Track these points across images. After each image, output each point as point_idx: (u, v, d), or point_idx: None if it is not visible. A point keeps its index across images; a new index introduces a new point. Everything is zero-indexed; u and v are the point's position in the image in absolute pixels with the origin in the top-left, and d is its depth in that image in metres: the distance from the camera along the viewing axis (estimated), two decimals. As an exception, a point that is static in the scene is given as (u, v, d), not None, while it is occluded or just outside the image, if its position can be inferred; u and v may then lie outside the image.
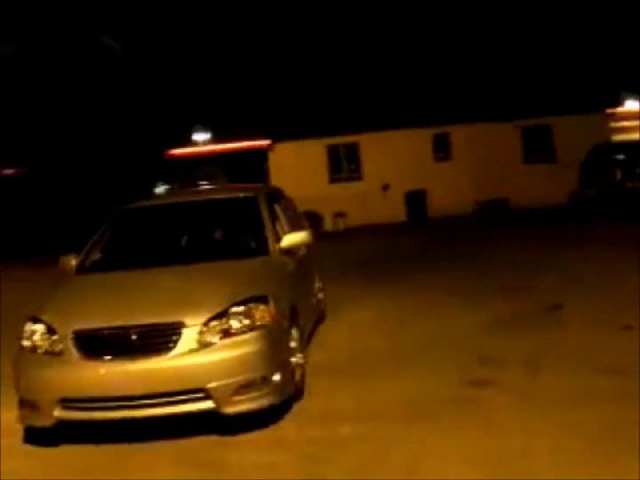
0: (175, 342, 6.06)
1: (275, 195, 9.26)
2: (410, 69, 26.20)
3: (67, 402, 6.12)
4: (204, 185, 15.09)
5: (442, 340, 8.70)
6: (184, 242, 8.15)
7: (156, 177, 31.06)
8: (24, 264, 20.16)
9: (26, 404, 6.31)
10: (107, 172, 30.21)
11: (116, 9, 22.69)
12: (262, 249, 7.54)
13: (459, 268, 13.86)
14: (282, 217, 8.63)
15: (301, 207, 22.44)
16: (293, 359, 6.86)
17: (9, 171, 30.77)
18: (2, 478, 5.81)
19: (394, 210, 24.93)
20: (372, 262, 15.93)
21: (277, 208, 8.72)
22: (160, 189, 30.17)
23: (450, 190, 24.40)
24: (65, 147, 29.75)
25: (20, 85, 24.56)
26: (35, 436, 6.43)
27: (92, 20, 21.36)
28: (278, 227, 8.19)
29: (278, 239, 7.80)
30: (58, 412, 6.14)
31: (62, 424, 6.22)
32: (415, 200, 25.09)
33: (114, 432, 6.28)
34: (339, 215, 25.50)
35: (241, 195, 8.72)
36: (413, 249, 18.02)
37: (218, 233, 8.20)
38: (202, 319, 6.16)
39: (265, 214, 8.02)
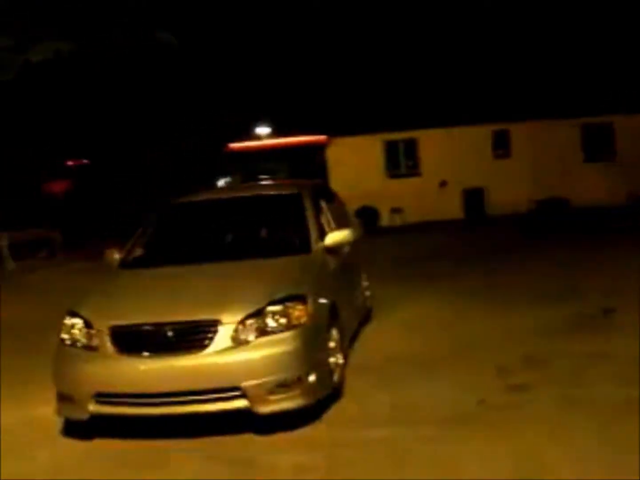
0: (211, 339, 6.04)
1: (321, 192, 9.18)
2: (471, 65, 25.87)
3: (102, 397, 6.16)
4: (264, 180, 15.10)
5: (488, 343, 8.52)
6: (225, 239, 8.11)
7: (218, 170, 31.30)
8: (81, 255, 20.44)
9: (63, 397, 6.38)
10: (170, 165, 30.59)
11: (175, 4, 22.89)
12: (303, 247, 7.46)
13: (513, 268, 13.63)
14: (327, 214, 8.55)
15: (358, 203, 22.74)
16: (332, 359, 6.80)
17: (72, 163, 31.36)
18: (35, 467, 5.91)
19: (451, 207, 24.66)
20: (426, 260, 15.75)
21: (323, 205, 8.64)
22: (221, 182, 30.40)
23: (510, 188, 24.00)
24: (128, 140, 30.21)
25: (83, 80, 24.96)
26: (73, 429, 6.50)
27: (149, 16, 21.60)
28: (323, 224, 8.11)
29: (321, 237, 7.72)
30: (93, 406, 6.18)
31: (99, 417, 6.26)
32: (474, 197, 24.76)
33: (151, 428, 6.30)
34: (396, 211, 25.32)
35: (286, 192, 8.67)
36: (468, 247, 17.79)
37: (260, 230, 8.14)
38: (239, 317, 6.12)
39: (309, 211, 7.96)
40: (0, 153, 25.48)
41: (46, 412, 6.77)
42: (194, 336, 6.07)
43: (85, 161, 31.47)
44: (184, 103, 28.73)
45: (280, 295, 6.32)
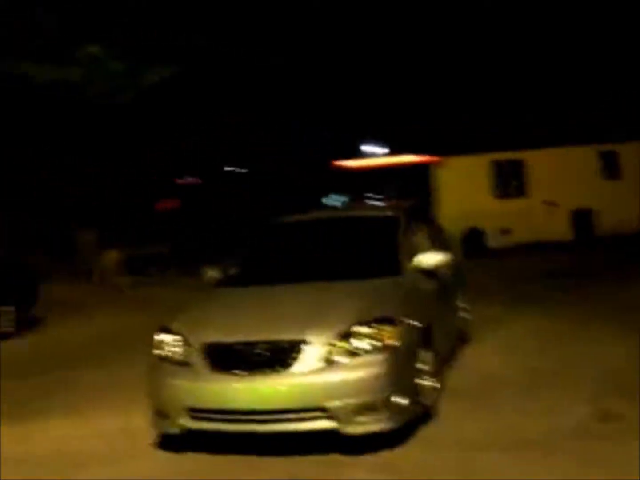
0: (300, 359, 6.11)
1: (418, 214, 9.17)
2: (578, 86, 25.34)
3: (193, 412, 6.31)
4: (369, 199, 15.19)
5: (589, 370, 8.28)
6: (319, 259, 8.10)
7: (325, 188, 31.52)
8: (190, 271, 20.85)
9: (157, 411, 6.57)
10: (276, 184, 31.03)
11: (286, 23, 23.35)
12: (395, 269, 7.44)
13: (622, 292, 13.17)
14: (422, 237, 8.52)
15: (466, 223, 22.50)
16: (423, 382, 6.75)
17: (182, 181, 32.16)
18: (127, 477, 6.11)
19: (559, 228, 24.11)
20: (531, 282, 15.45)
21: (418, 227, 8.62)
22: (330, 200, 30.59)
23: (620, 208, 23.31)
24: (238, 158, 30.84)
25: (193, 101, 25.70)
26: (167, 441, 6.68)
27: (261, 36, 22.15)
28: (417, 247, 8.08)
29: (414, 259, 7.70)
30: (184, 421, 6.34)
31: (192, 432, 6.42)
32: (582, 218, 24.15)
33: (240, 444, 6.39)
34: (504, 231, 24.91)
35: (381, 213, 8.72)
36: (576, 269, 17.37)
37: (354, 251, 8.11)
38: (327, 337, 6.18)
39: (403, 233, 7.98)
40: (116, 173, 26.46)
41: (144, 423, 6.96)
42: (283, 355, 6.13)
43: (194, 180, 32.25)
44: (289, 121, 29.08)
45: (369, 316, 6.34)
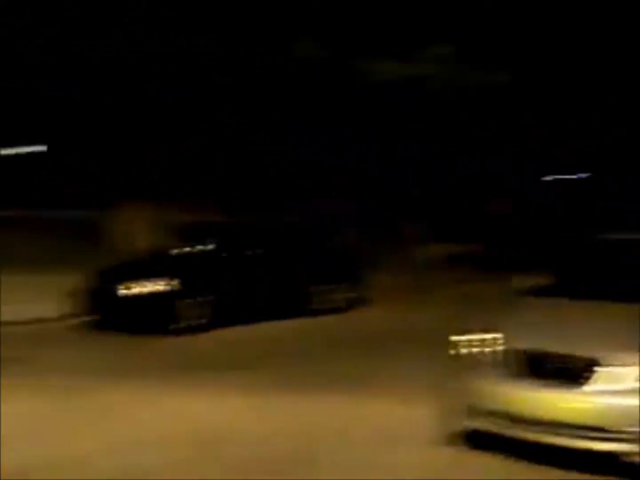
0: (598, 378, 6.09)
1: None
2: None
3: (482, 413, 6.53)
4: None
5: None
6: (634, 280, 7.83)
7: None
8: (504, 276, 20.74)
9: (446, 407, 6.88)
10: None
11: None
12: None
13: None
14: None
15: None
16: None
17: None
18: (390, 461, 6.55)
19: None
20: None
21: None
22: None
23: None
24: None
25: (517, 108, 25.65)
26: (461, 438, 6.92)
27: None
28: None
29: None
30: (473, 421, 6.62)
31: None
32: None
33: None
34: None
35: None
36: None
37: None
38: (628, 360, 6.07)
39: None
40: (453, 172, 27.22)
41: (430, 415, 7.26)
42: (578, 371, 6.15)
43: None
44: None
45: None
